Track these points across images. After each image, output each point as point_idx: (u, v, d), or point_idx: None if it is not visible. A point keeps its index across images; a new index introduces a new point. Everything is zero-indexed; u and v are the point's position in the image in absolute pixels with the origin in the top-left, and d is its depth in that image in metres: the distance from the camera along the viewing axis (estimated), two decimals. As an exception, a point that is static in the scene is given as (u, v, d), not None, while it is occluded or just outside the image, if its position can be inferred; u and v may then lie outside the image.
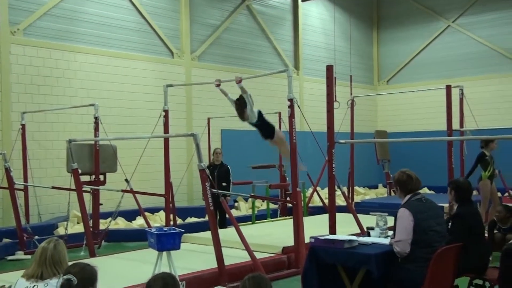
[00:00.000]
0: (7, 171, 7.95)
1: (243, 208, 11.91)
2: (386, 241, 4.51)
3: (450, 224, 4.68)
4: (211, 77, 11.74)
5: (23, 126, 9.29)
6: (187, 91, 12.36)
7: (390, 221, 4.86)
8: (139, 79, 11.55)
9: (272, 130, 6.76)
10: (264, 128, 6.74)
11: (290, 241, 6.32)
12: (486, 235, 5.96)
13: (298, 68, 15.26)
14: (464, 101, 9.57)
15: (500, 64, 15.31)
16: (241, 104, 6.53)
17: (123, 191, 8.12)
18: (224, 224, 8.93)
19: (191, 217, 10.96)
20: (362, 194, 14.62)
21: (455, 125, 8.77)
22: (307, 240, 5.34)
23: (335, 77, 8.08)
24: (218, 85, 6.95)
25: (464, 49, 15.94)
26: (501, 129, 11.18)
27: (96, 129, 8.60)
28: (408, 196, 4.39)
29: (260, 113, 6.66)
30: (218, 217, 8.49)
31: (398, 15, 17.39)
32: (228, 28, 13.50)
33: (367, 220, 6.82)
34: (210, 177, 8.79)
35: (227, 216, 7.98)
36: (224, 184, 9.04)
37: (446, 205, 8.02)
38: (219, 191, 6.13)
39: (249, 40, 14.04)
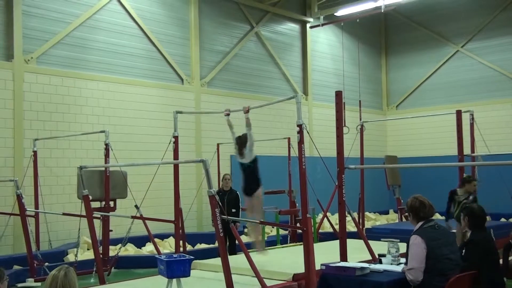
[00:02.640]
0: (19, 198, 7.98)
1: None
2: (399, 268, 4.45)
3: (463, 251, 4.61)
4: (220, 103, 11.85)
5: (35, 152, 9.38)
6: (197, 117, 12.45)
7: (402, 247, 4.80)
8: (149, 106, 11.67)
9: (258, 183, 6.84)
10: (252, 176, 6.79)
11: (300, 268, 6.25)
12: (501, 261, 5.85)
13: (307, 94, 15.34)
14: (475, 126, 9.53)
15: (510, 89, 15.28)
16: (242, 141, 6.66)
17: (133, 217, 8.11)
18: (234, 250, 8.86)
19: (200, 243, 10.89)
20: (373, 220, 14.47)
21: (466, 150, 8.72)
22: (317, 266, 5.27)
23: (344, 102, 8.13)
24: (228, 114, 7.01)
25: (473, 74, 15.95)
26: (513, 153, 11.10)
27: (107, 155, 8.65)
28: (420, 223, 4.35)
29: (256, 158, 6.73)
30: (228, 243, 8.44)
31: (406, 40, 17.50)
32: (237, 54, 13.66)
33: (378, 246, 6.73)
34: (222, 202, 8.87)
35: (237, 242, 7.92)
36: (233, 210, 9.01)
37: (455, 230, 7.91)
38: (229, 217, 6.09)
39: (258, 66, 14.17)
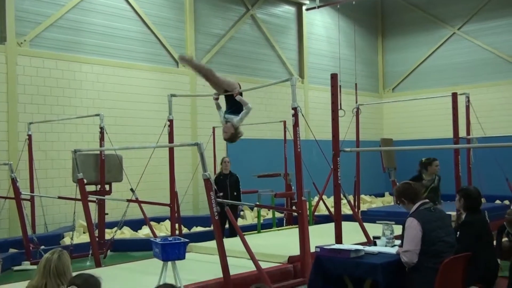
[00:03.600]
0: (14, 181, 7.96)
1: (249, 217, 11.87)
2: (393, 250, 4.47)
3: (458, 232, 4.63)
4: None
5: (30, 136, 9.33)
6: (192, 101, 12.39)
7: (397, 229, 4.82)
8: (144, 89, 11.59)
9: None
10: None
11: (296, 251, 6.28)
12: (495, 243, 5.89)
13: (303, 77, 15.27)
14: (470, 108, 9.52)
15: (506, 71, 15.25)
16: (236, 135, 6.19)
17: (129, 200, 8.11)
18: (235, 232, 8.90)
19: (196, 227, 10.93)
20: (369, 203, 14.54)
21: (462, 132, 8.71)
22: (313, 249, 5.30)
23: (340, 85, 8.09)
24: (217, 99, 6.76)
25: (469, 56, 15.90)
26: (508, 136, 11.10)
27: (102, 139, 8.62)
28: (417, 205, 4.36)
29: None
30: (228, 225, 8.47)
31: (402, 23, 17.39)
32: (233, 37, 13.55)
33: (374, 229, 6.77)
34: (223, 186, 8.88)
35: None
36: (235, 193, 9.06)
37: (453, 213, 7.95)
38: (225, 200, 6.10)
39: (254, 49, 14.07)
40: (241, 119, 6.06)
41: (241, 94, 6.25)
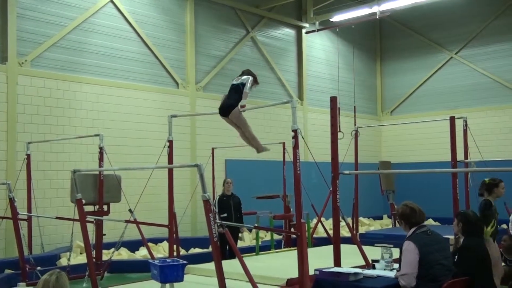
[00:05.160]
0: (11, 201, 7.91)
1: (247, 239, 11.81)
2: (392, 273, 4.46)
3: (456, 257, 4.62)
4: (215, 107, 11.75)
5: (28, 156, 9.33)
6: (192, 122, 12.44)
7: (396, 253, 4.80)
8: (144, 110, 11.65)
9: (237, 101, 6.64)
10: (236, 94, 6.71)
11: (294, 273, 6.23)
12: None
13: (302, 99, 15.36)
14: (468, 132, 9.56)
15: (504, 96, 15.38)
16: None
17: (127, 221, 8.08)
18: (234, 254, 8.86)
19: (194, 248, 10.86)
20: (367, 225, 14.49)
21: (460, 156, 8.74)
22: (311, 272, 5.27)
23: (339, 108, 8.14)
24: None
25: (467, 81, 16.05)
26: (506, 161, 11.14)
27: (101, 159, 8.62)
28: (413, 229, 4.36)
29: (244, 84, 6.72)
30: (227, 247, 8.44)
31: (401, 47, 17.59)
32: (233, 59, 13.67)
33: (372, 251, 6.74)
34: (227, 207, 8.87)
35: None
36: (238, 215, 9.07)
37: (451, 237, 7.93)
38: (226, 222, 6.10)
39: (254, 70, 14.11)
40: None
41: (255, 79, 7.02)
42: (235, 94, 6.74)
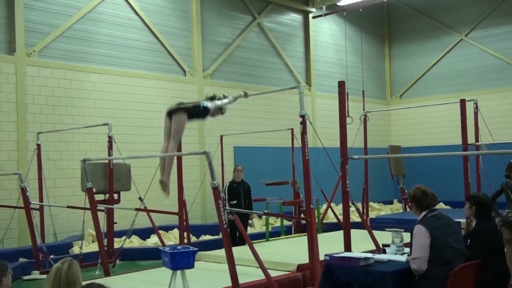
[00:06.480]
0: (23, 191, 8.01)
1: (257, 225, 11.85)
2: (403, 258, 4.45)
3: (468, 240, 4.59)
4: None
5: (39, 146, 9.40)
6: (200, 109, 12.40)
7: (406, 237, 4.79)
8: (152, 98, 11.65)
9: (186, 110, 5.93)
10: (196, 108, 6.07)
11: (305, 259, 6.26)
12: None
13: (310, 84, 15.28)
14: (479, 114, 9.48)
15: (514, 77, 15.18)
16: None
17: (137, 209, 8.14)
18: (244, 241, 8.90)
19: (205, 235, 10.93)
20: (377, 210, 14.47)
21: (470, 139, 8.66)
22: (322, 257, 5.28)
23: (347, 93, 8.08)
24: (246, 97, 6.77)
25: (477, 63, 15.85)
26: (517, 142, 11.02)
27: (110, 148, 8.66)
28: (424, 212, 4.33)
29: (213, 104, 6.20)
30: (238, 234, 8.48)
31: (409, 29, 17.38)
32: (240, 45, 13.60)
33: (383, 236, 6.74)
34: (237, 194, 8.90)
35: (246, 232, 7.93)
36: (247, 202, 9.09)
37: (463, 220, 7.89)
38: (235, 209, 6.10)
39: (261, 57, 14.11)
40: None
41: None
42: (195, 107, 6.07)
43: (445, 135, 15.18)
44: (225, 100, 6.28)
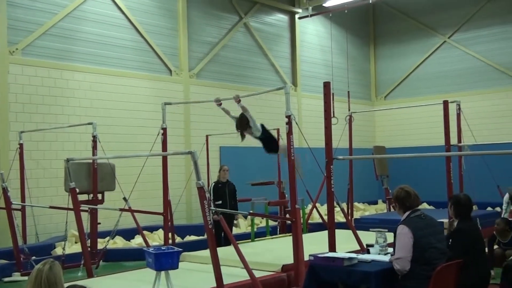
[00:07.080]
0: (5, 191, 7.90)
1: (242, 226, 11.85)
2: (386, 258, 4.47)
3: (450, 240, 4.64)
4: (209, 94, 11.78)
5: (21, 145, 9.28)
6: (185, 109, 12.38)
7: (390, 237, 4.82)
8: (137, 97, 11.58)
9: (276, 142, 6.90)
10: (268, 141, 6.73)
11: (289, 259, 6.27)
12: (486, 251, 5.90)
13: (296, 85, 15.32)
14: (462, 116, 9.59)
15: (496, 79, 15.40)
16: (243, 121, 6.50)
17: (121, 210, 8.07)
18: (229, 241, 8.88)
19: (190, 235, 10.89)
20: (362, 210, 14.56)
21: (453, 140, 8.76)
22: (306, 257, 5.29)
23: (333, 93, 8.11)
24: (220, 104, 6.89)
25: (460, 65, 16.04)
26: (500, 144, 11.18)
27: (94, 147, 8.59)
28: (407, 213, 4.37)
29: (263, 126, 6.64)
30: (223, 234, 8.45)
31: (394, 31, 17.53)
32: (226, 45, 13.58)
33: (367, 236, 6.78)
34: (222, 194, 8.88)
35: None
36: (232, 202, 9.06)
37: (446, 220, 7.98)
38: (221, 209, 6.08)
39: (247, 57, 14.11)
40: (254, 125, 6.59)
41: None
42: (269, 141, 6.85)
43: (428, 136, 15.33)
44: (252, 124, 6.53)
